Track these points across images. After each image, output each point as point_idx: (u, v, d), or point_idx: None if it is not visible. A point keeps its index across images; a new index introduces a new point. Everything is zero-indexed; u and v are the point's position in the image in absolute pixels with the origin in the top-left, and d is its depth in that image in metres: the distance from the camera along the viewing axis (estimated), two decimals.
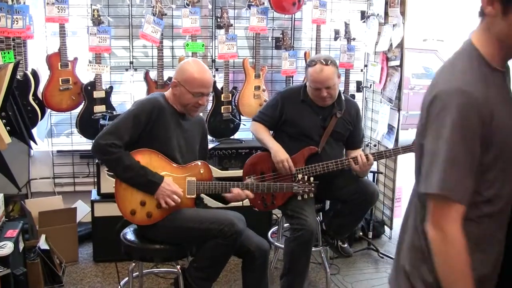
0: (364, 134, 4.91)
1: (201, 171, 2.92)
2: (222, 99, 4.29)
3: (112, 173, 3.68)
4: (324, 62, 3.16)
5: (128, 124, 2.75)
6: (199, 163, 2.94)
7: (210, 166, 3.03)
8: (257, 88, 4.36)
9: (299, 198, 3.00)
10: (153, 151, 2.81)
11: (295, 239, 3.12)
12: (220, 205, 3.07)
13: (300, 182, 3.01)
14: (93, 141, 2.76)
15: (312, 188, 3.00)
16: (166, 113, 2.85)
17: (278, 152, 3.25)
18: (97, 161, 3.82)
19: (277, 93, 3.62)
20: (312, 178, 3.02)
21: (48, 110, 4.10)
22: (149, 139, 2.80)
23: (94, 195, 3.88)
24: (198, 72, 2.82)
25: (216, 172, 3.93)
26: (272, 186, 3.02)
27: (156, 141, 2.81)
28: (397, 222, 4.61)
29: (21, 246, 3.19)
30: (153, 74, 4.15)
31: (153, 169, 2.77)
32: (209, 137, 4.37)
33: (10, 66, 3.15)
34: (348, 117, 3.39)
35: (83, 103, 4.03)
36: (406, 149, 3.29)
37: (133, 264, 2.95)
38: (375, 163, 4.61)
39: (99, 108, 4.02)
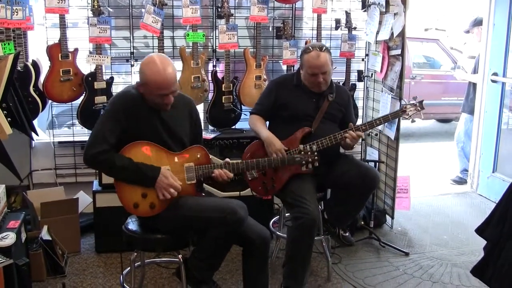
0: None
1: (198, 156, 2.90)
2: (223, 89, 4.28)
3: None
4: (319, 49, 3.28)
5: (109, 126, 2.74)
6: (195, 148, 2.92)
7: (211, 156, 3.02)
8: (258, 77, 4.35)
9: (304, 168, 2.99)
10: (147, 142, 2.79)
11: (297, 227, 3.12)
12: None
13: (302, 152, 3.02)
14: (83, 154, 2.75)
15: (316, 157, 2.99)
16: (140, 105, 2.81)
17: (271, 143, 3.28)
18: None
19: (270, 81, 3.75)
20: (314, 147, 3.03)
21: (49, 101, 4.10)
22: (133, 134, 2.78)
23: (96, 186, 3.89)
24: (155, 75, 2.70)
25: (218, 162, 3.92)
26: (274, 161, 3.02)
27: (140, 135, 2.79)
28: (399, 212, 4.61)
29: (24, 236, 3.20)
30: None
31: (151, 161, 2.76)
32: (210, 127, 4.39)
33: (11, 57, 3.14)
34: (340, 100, 3.46)
35: (84, 94, 4.03)
36: (394, 115, 3.52)
37: (135, 254, 2.96)
38: (376, 152, 4.66)
39: (100, 99, 4.01)
